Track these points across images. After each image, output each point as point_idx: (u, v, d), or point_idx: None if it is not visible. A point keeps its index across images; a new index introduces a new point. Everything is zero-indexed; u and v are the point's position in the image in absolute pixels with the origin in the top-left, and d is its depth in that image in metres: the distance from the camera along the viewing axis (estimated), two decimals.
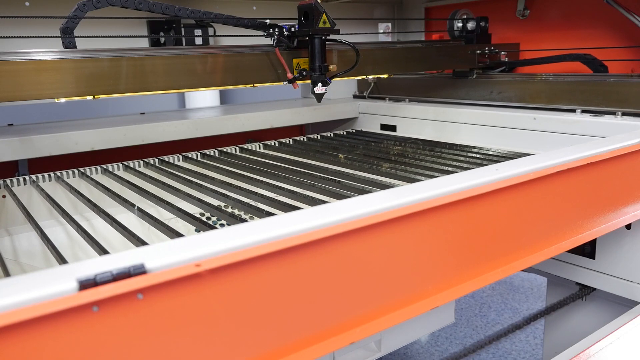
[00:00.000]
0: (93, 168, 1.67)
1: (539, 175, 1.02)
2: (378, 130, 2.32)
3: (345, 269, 0.78)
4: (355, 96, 2.59)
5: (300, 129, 2.63)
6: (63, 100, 1.29)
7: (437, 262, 0.91)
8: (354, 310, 0.80)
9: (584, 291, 1.64)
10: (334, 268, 0.76)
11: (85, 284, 0.56)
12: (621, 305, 1.56)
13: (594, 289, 1.62)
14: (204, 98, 5.95)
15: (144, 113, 2.20)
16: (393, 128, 2.25)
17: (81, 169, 1.65)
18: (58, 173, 1.61)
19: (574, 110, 1.76)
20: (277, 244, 0.68)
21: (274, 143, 2.04)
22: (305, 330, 0.75)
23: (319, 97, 1.63)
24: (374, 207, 0.81)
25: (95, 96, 1.32)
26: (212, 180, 1.50)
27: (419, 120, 2.14)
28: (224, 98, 6.61)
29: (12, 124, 1.93)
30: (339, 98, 2.53)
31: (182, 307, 0.61)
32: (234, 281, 0.65)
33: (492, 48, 2.16)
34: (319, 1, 1.53)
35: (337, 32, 1.57)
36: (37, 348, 0.53)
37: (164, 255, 0.62)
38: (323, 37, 1.55)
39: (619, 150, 1.20)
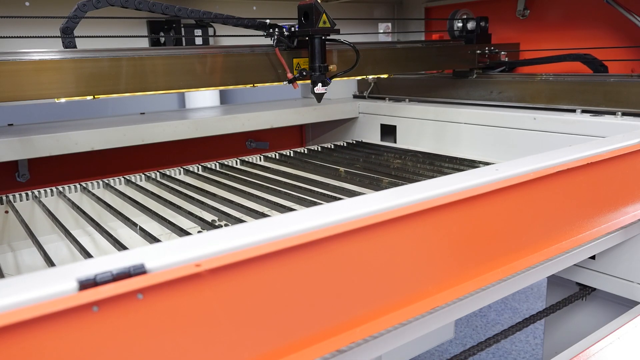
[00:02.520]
0: (95, 182, 1.68)
1: (539, 175, 1.02)
2: (378, 140, 2.32)
3: (345, 269, 0.78)
4: (355, 96, 2.59)
5: (300, 129, 2.63)
6: (63, 100, 1.29)
7: (437, 262, 0.91)
8: (354, 310, 0.80)
9: (584, 291, 1.64)
10: (334, 268, 0.76)
11: (85, 284, 0.56)
12: (621, 305, 1.56)
13: (594, 289, 1.62)
14: (204, 98, 5.95)
15: (144, 113, 2.20)
16: (393, 129, 2.25)
17: (83, 184, 1.65)
18: (60, 188, 1.62)
19: (574, 110, 1.76)
20: (277, 244, 0.68)
21: (275, 155, 2.05)
22: (305, 330, 0.75)
23: (319, 97, 1.63)
24: (374, 207, 0.81)
25: (95, 96, 1.32)
26: (213, 196, 1.51)
27: (419, 121, 2.14)
28: (224, 98, 6.60)
29: (12, 124, 1.94)
30: (339, 98, 2.53)
31: (182, 307, 0.61)
32: (234, 281, 0.65)
33: (492, 48, 2.16)
34: (319, 1, 1.53)
35: (337, 32, 1.57)
36: (37, 348, 0.53)
37: (164, 255, 0.62)
38: (323, 37, 1.55)
39: (619, 150, 1.20)
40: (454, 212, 0.90)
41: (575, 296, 1.63)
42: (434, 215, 0.87)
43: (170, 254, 0.62)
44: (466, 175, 0.98)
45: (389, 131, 2.29)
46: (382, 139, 2.32)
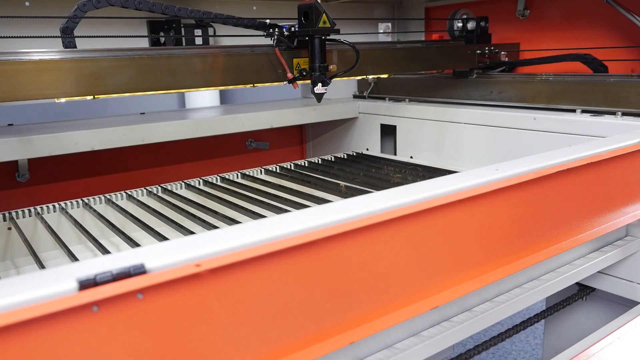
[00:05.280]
0: (97, 198, 1.68)
1: (539, 175, 1.02)
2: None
3: (346, 268, 0.78)
4: (355, 96, 2.59)
5: (300, 129, 2.63)
6: (63, 100, 1.29)
7: (437, 262, 0.91)
8: (354, 310, 0.80)
9: (584, 291, 1.64)
10: (334, 268, 0.76)
11: (86, 284, 0.56)
12: (621, 305, 1.56)
13: (594, 289, 1.62)
14: (204, 98, 5.95)
15: (144, 113, 2.20)
16: (393, 129, 2.26)
17: (85, 199, 1.66)
18: (62, 204, 1.62)
19: (574, 110, 1.76)
20: (277, 244, 0.68)
21: (276, 168, 2.06)
22: (305, 330, 0.75)
23: (319, 97, 1.63)
24: (374, 207, 0.81)
25: (95, 96, 1.32)
26: (215, 214, 1.52)
27: (419, 121, 2.14)
28: (224, 98, 6.61)
29: (12, 124, 1.94)
30: (339, 98, 2.53)
31: (182, 307, 0.61)
32: (233, 281, 0.65)
33: (492, 48, 2.16)
34: (319, 1, 1.53)
35: (337, 32, 1.57)
36: (37, 348, 0.53)
37: (163, 255, 0.62)
38: (323, 37, 1.55)
39: (619, 150, 1.20)
40: (454, 212, 0.90)
41: (575, 296, 1.63)
42: (434, 215, 0.87)
43: (170, 254, 0.62)
44: (466, 176, 0.98)
45: (389, 131, 2.29)
46: (382, 139, 2.32)
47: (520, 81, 1.99)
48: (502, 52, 2.19)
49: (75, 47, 1.33)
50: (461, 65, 2.14)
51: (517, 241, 1.04)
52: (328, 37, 1.58)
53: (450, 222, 0.90)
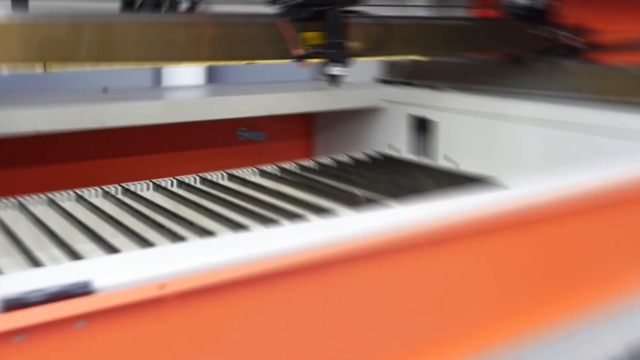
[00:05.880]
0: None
1: (623, 194, 1.01)
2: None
3: (362, 299, 0.77)
4: (376, 80, 2.59)
5: (308, 120, 2.63)
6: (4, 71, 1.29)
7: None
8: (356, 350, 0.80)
9: None
10: (342, 297, 0.76)
11: (12, 305, 0.55)
12: None
13: None
14: (185, 75, 6.00)
15: (107, 89, 2.21)
16: (426, 124, 2.25)
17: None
18: (22, 200, 1.63)
19: None
20: (268, 263, 0.67)
21: (274, 170, 2.05)
22: None
23: (336, 81, 1.63)
24: (395, 225, 0.80)
25: (47, 66, 1.32)
26: (190, 226, 1.48)
27: (462, 115, 2.13)
28: (211, 76, 6.66)
29: None
30: (356, 82, 2.50)
31: (138, 341, 0.61)
32: (208, 310, 0.64)
33: (560, 29, 2.16)
34: None
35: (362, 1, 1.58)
36: None
37: (118, 272, 0.61)
38: (343, 8, 1.56)
39: None
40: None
41: None
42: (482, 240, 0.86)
43: (126, 270, 0.62)
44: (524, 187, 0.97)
45: (421, 126, 2.28)
46: (412, 137, 2.32)
47: (599, 73, 1.98)
48: (574, 35, 2.19)
49: (26, 8, 1.33)
50: (519, 48, 2.14)
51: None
52: (349, 9, 1.58)
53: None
